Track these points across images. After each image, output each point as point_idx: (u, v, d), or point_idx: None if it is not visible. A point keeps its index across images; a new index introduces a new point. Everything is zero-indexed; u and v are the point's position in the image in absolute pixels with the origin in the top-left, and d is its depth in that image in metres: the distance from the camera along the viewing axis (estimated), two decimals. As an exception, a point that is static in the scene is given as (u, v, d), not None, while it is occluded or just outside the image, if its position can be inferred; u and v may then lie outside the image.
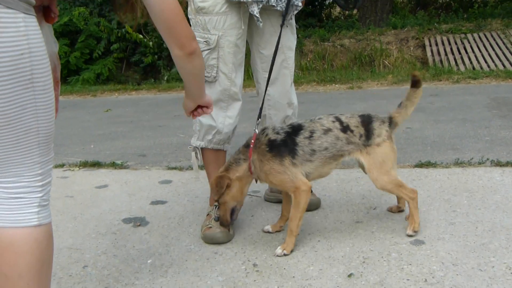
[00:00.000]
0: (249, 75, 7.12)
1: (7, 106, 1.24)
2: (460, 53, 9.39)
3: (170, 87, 9.19)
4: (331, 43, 10.82)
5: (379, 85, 7.88)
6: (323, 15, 13.75)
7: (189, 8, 2.46)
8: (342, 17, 13.58)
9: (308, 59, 10.51)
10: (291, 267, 2.12)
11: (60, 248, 2.43)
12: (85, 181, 3.59)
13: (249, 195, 2.87)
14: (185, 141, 4.66)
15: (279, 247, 2.24)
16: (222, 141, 2.57)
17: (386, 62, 9.85)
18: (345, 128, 2.29)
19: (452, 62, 9.04)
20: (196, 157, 2.62)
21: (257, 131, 2.32)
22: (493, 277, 1.91)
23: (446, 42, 9.97)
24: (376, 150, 2.30)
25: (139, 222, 2.75)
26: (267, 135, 2.28)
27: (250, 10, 2.38)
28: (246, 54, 2.59)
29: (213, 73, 2.44)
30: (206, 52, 2.40)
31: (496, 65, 8.51)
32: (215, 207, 2.49)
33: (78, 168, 3.98)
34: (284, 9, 2.45)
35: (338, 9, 14.02)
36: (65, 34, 11.02)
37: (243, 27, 2.44)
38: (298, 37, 2.89)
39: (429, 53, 9.74)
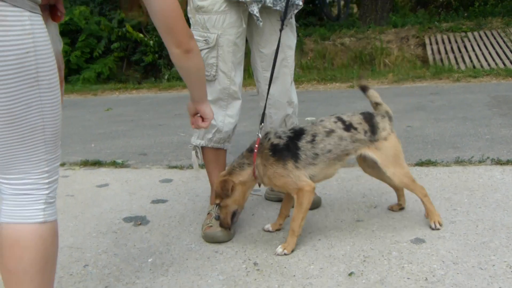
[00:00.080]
0: (249, 74, 7.12)
1: (12, 104, 1.25)
2: (460, 51, 9.39)
3: (170, 86, 9.19)
4: (331, 42, 10.82)
5: (379, 83, 7.88)
6: (324, 10, 13.72)
7: (188, 7, 2.46)
8: (342, 14, 13.55)
9: (309, 58, 10.51)
10: (292, 266, 2.12)
11: (60, 247, 2.41)
12: (85, 180, 3.59)
13: (250, 194, 2.87)
14: (185, 140, 4.66)
15: (279, 246, 2.24)
16: (222, 140, 2.57)
17: (387, 61, 9.85)
18: (348, 127, 2.29)
19: (453, 61, 9.04)
20: (197, 156, 2.62)
21: (260, 135, 2.32)
22: (494, 275, 1.91)
23: (446, 41, 9.97)
24: (386, 144, 2.31)
25: (139, 221, 2.75)
26: (269, 139, 2.28)
27: (250, 10, 2.38)
28: (246, 53, 2.59)
29: (213, 72, 2.44)
30: (206, 51, 2.40)
31: (496, 64, 8.51)
32: (216, 206, 2.49)
33: (78, 167, 3.98)
34: (283, 8, 2.45)
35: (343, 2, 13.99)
36: (66, 33, 11.02)
37: (244, 26, 2.44)
38: (298, 35, 2.89)
39: (429, 52, 9.74)
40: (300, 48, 10.39)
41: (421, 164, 3.38)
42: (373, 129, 2.31)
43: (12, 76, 1.22)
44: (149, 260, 2.28)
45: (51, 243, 1.45)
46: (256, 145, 2.28)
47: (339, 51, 10.58)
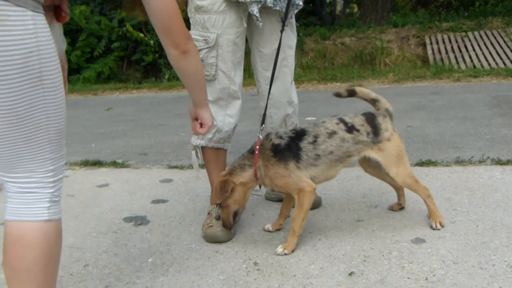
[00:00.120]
0: (250, 73, 7.12)
1: (16, 103, 1.26)
2: (460, 51, 9.38)
3: (171, 85, 9.19)
4: (332, 41, 10.82)
5: (380, 83, 7.88)
6: (321, 12, 13.72)
7: (188, 7, 2.46)
8: (339, 15, 13.56)
9: (309, 58, 10.51)
10: (292, 265, 2.12)
11: (61, 247, 2.43)
12: (86, 180, 3.59)
13: (251, 194, 2.87)
14: (185, 139, 4.66)
15: (280, 246, 2.24)
16: (222, 139, 2.57)
17: (387, 61, 9.85)
18: (350, 129, 2.29)
19: (453, 60, 9.04)
20: (197, 155, 2.62)
21: (261, 136, 2.31)
22: (494, 275, 1.92)
23: (447, 40, 9.96)
24: (389, 145, 2.31)
25: (140, 221, 2.75)
26: (270, 140, 2.28)
27: (249, 10, 2.38)
28: (246, 53, 2.59)
29: (212, 72, 2.44)
30: (205, 50, 2.40)
31: (496, 63, 8.51)
32: (216, 206, 2.50)
33: (79, 167, 3.98)
34: (283, 9, 2.45)
35: (339, 7, 14.01)
36: (66, 33, 10.88)
37: (244, 25, 2.44)
38: (299, 35, 2.89)
39: (429, 51, 9.74)
40: (300, 48, 10.39)
41: (421, 164, 3.38)
42: (375, 130, 2.31)
43: (16, 76, 1.23)
44: (150, 260, 2.28)
45: (55, 241, 1.46)
46: (257, 147, 2.28)
47: (339, 50, 10.58)
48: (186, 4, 2.46)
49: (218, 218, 2.45)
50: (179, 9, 1.61)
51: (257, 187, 2.39)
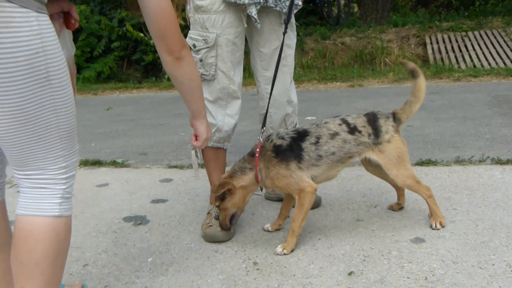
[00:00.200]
0: (249, 73, 7.12)
1: (25, 104, 1.28)
2: (461, 51, 9.38)
3: (171, 85, 9.17)
4: (332, 41, 10.81)
5: (380, 83, 7.87)
6: (324, 14, 13.72)
7: (188, 7, 2.46)
8: (343, 15, 13.56)
9: (309, 57, 10.51)
10: (292, 265, 2.12)
11: (60, 246, 2.43)
12: (85, 180, 3.59)
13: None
14: (185, 139, 4.66)
15: (279, 246, 2.24)
16: (222, 139, 2.57)
17: (387, 60, 9.84)
18: (352, 130, 2.28)
19: (453, 60, 9.03)
20: (196, 155, 2.61)
21: (261, 139, 2.31)
22: (494, 275, 1.91)
23: (447, 40, 9.96)
24: (389, 147, 2.30)
25: (139, 220, 2.75)
26: (272, 141, 2.27)
27: (248, 12, 2.37)
28: (246, 52, 2.59)
29: (212, 71, 2.43)
30: (205, 50, 2.40)
31: (497, 63, 8.50)
32: (215, 206, 2.49)
33: (78, 167, 3.98)
34: (283, 9, 2.45)
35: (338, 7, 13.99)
36: (66, 33, 11.01)
37: (244, 25, 2.44)
38: (299, 35, 2.89)
39: (430, 51, 9.73)
40: (300, 48, 10.39)
41: (421, 163, 3.38)
42: (376, 132, 2.30)
43: (23, 77, 1.24)
44: (149, 259, 2.28)
45: (64, 237, 1.48)
46: (258, 149, 2.27)
47: (339, 50, 10.57)
48: (183, 9, 2.46)
49: (217, 218, 2.44)
50: (175, 15, 1.62)
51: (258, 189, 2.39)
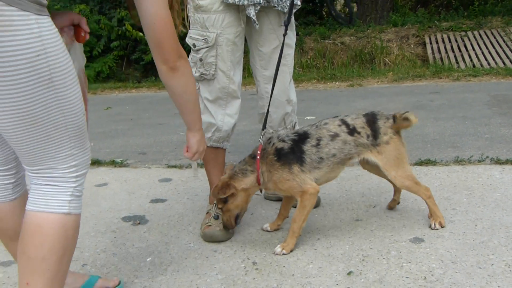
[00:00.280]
0: (249, 73, 7.11)
1: (31, 106, 1.29)
2: (460, 50, 9.38)
3: (170, 85, 9.16)
4: (331, 40, 10.81)
5: (379, 82, 7.88)
6: (324, 13, 13.73)
7: (188, 6, 2.46)
8: (342, 15, 13.56)
9: (309, 57, 10.50)
10: (291, 265, 2.12)
11: (59, 246, 2.42)
12: (84, 179, 3.58)
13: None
14: (185, 139, 4.62)
15: (278, 246, 2.24)
16: (221, 138, 2.57)
17: (387, 60, 9.84)
18: (352, 131, 2.28)
19: (453, 60, 9.04)
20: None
21: (262, 142, 2.30)
22: (492, 274, 1.91)
23: (446, 40, 9.96)
24: (387, 148, 2.30)
25: (138, 220, 2.75)
26: (273, 144, 2.26)
27: (247, 12, 2.37)
28: (245, 52, 2.58)
29: (211, 71, 2.43)
30: (205, 50, 2.40)
31: (496, 63, 8.51)
32: (215, 205, 2.49)
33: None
34: (284, 9, 2.44)
35: (338, 7, 14.01)
36: (65, 32, 11.00)
37: (242, 26, 2.44)
38: (298, 34, 2.89)
39: (429, 51, 9.73)
40: (300, 47, 10.39)
41: (420, 163, 3.38)
42: (375, 133, 2.30)
43: (26, 79, 1.25)
44: (148, 259, 2.28)
45: (72, 235, 1.50)
46: (259, 151, 2.26)
47: (339, 50, 10.57)
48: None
49: (216, 217, 2.44)
50: (172, 24, 1.62)
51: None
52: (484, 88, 6.56)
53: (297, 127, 2.79)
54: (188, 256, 2.28)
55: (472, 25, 10.46)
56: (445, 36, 10.15)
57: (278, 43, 2.52)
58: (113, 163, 3.97)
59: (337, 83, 8.17)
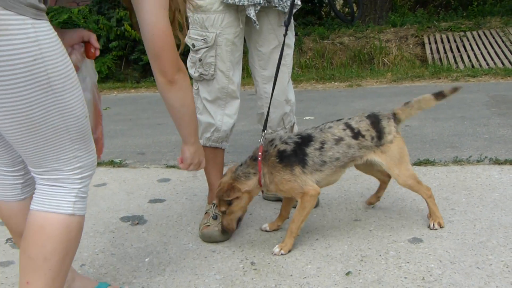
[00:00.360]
0: (248, 73, 7.11)
1: (30, 110, 1.29)
2: (459, 51, 9.39)
3: (169, 85, 9.15)
4: (330, 41, 10.81)
5: (378, 83, 7.88)
6: (323, 13, 13.73)
7: (187, 5, 2.45)
8: (343, 14, 13.54)
9: (308, 57, 10.50)
10: (289, 265, 2.12)
11: (58, 246, 2.42)
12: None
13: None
14: (183, 139, 4.64)
15: (277, 246, 2.24)
16: (220, 139, 2.56)
17: (386, 60, 9.85)
18: (356, 135, 2.28)
19: (451, 60, 9.04)
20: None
21: (262, 142, 2.29)
22: (491, 275, 1.91)
23: (445, 40, 9.97)
24: (391, 147, 2.30)
25: (137, 220, 2.75)
26: (275, 146, 2.25)
27: (247, 13, 2.37)
28: (244, 52, 2.58)
29: (211, 71, 2.43)
30: (204, 50, 2.40)
31: (495, 63, 8.51)
32: (213, 206, 2.49)
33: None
34: (285, 8, 2.44)
35: (337, 7, 14.00)
36: (64, 32, 10.99)
37: (241, 26, 2.44)
38: (297, 34, 2.89)
39: (428, 51, 9.74)
40: (299, 47, 10.39)
41: (419, 163, 3.38)
42: (379, 134, 2.30)
43: (23, 84, 1.25)
44: (146, 259, 2.27)
45: (75, 236, 1.50)
46: (260, 153, 2.25)
47: (338, 50, 10.57)
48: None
49: (215, 217, 2.44)
50: (172, 37, 1.61)
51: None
52: (483, 88, 6.57)
53: (296, 127, 2.79)
54: (186, 256, 2.28)
55: (471, 25, 10.47)
56: (444, 36, 10.16)
57: (277, 43, 2.52)
58: (111, 163, 3.97)
59: (336, 83, 8.17)
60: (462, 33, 10.13)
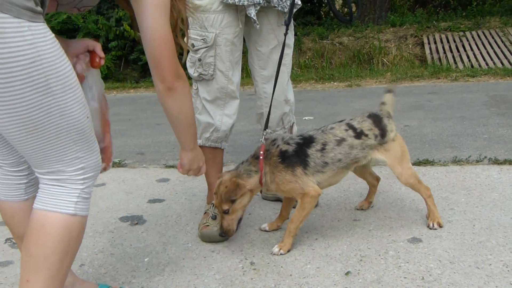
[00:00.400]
0: (247, 73, 7.11)
1: (30, 112, 1.29)
2: (458, 51, 9.39)
3: (168, 85, 9.15)
4: (329, 41, 10.81)
5: (377, 83, 7.88)
6: (322, 13, 13.73)
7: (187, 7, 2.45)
8: (342, 14, 13.55)
9: (307, 57, 10.50)
10: (288, 265, 2.12)
11: (57, 246, 2.42)
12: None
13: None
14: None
15: (276, 245, 2.24)
16: (219, 139, 2.56)
17: (385, 60, 9.85)
18: (359, 134, 2.28)
19: (451, 60, 9.04)
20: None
21: (264, 141, 2.29)
22: (490, 274, 1.91)
23: (444, 40, 9.97)
24: (394, 145, 2.32)
25: (136, 220, 2.74)
26: (278, 146, 2.25)
27: (247, 13, 2.37)
28: (244, 52, 2.58)
29: (210, 71, 2.43)
30: (204, 50, 2.40)
31: (494, 63, 8.52)
32: (213, 205, 2.49)
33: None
34: (284, 9, 2.44)
35: (337, 7, 14.00)
36: (63, 32, 11.00)
37: (240, 26, 2.44)
38: (296, 34, 2.89)
39: (427, 51, 9.74)
40: (298, 47, 10.38)
41: (418, 163, 3.38)
42: (383, 132, 2.31)
43: (22, 87, 1.25)
44: (146, 259, 2.27)
45: (76, 236, 1.50)
46: (261, 152, 2.25)
47: (337, 50, 10.57)
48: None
49: (214, 217, 2.44)
50: (173, 43, 1.60)
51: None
52: (482, 88, 6.57)
53: (295, 127, 2.79)
54: (185, 256, 2.27)
55: (470, 25, 10.47)
56: (443, 36, 10.17)
57: (277, 43, 2.52)
58: (111, 163, 3.96)
59: (335, 83, 8.17)
60: (461, 33, 10.14)
